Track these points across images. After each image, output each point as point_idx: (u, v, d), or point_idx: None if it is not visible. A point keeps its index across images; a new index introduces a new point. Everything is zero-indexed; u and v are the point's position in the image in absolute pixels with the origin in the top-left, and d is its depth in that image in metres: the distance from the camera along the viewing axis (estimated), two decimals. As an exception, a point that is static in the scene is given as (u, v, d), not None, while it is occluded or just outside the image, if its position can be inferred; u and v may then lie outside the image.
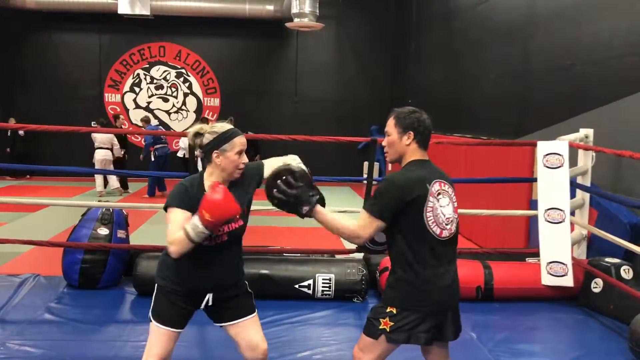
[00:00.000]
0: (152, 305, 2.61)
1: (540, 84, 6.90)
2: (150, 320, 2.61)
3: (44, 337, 3.93)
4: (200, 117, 14.23)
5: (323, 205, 2.49)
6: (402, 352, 2.64)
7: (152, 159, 11.10)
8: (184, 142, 12.26)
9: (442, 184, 2.49)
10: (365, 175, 10.64)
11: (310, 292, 4.74)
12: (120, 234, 5.15)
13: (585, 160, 5.21)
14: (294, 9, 11.59)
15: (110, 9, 13.00)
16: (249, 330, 2.64)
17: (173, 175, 6.67)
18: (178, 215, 2.45)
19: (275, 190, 2.43)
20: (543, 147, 4.94)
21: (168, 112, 14.76)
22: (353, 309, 4.69)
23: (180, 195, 2.49)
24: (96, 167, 11.00)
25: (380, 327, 2.45)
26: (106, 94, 14.58)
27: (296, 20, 11.71)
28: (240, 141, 2.54)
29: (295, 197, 2.42)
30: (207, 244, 2.48)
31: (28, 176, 13.82)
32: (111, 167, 10.99)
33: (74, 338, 3.96)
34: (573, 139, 5.12)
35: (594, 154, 5.18)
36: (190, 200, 2.45)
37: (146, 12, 12.84)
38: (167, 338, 2.58)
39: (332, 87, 14.68)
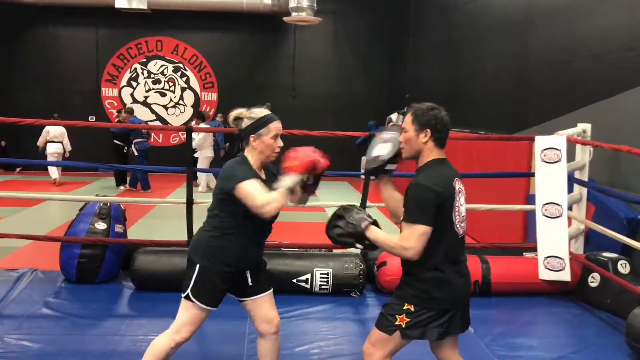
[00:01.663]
0: (192, 284, 2.70)
1: (538, 79, 6.89)
2: (189, 299, 2.71)
3: (42, 332, 3.93)
4: (197, 112, 14.19)
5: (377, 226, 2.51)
6: (410, 346, 2.63)
7: (136, 153, 11.11)
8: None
9: (459, 182, 2.51)
10: (363, 170, 10.64)
11: (308, 286, 4.75)
12: (118, 228, 5.14)
13: (583, 154, 5.22)
14: (292, 3, 11.56)
15: (108, 3, 12.94)
16: (265, 305, 2.82)
17: (174, 170, 6.64)
18: (254, 184, 2.58)
19: (334, 228, 2.52)
20: (541, 141, 4.95)
21: (165, 107, 14.71)
22: (351, 304, 4.69)
23: (246, 169, 2.65)
24: (49, 159, 11.59)
25: (396, 323, 2.45)
26: (103, 88, 14.53)
27: (294, 14, 11.69)
28: (275, 126, 2.70)
29: (353, 226, 2.46)
30: (258, 222, 2.65)
31: (18, 169, 13.73)
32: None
33: (72, 332, 3.97)
34: (571, 133, 5.12)
35: (591, 149, 5.18)
36: (251, 173, 2.64)
37: (143, 6, 12.79)
38: (203, 316, 2.75)
39: (330, 82, 14.65)
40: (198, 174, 11.20)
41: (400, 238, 2.38)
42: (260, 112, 2.73)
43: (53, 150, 11.68)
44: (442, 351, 2.62)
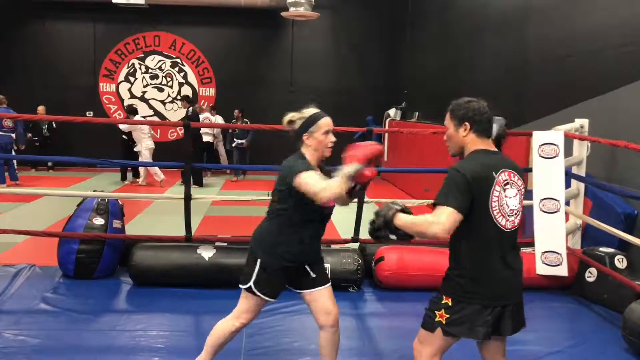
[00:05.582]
0: (254, 277, 2.82)
1: (536, 74, 6.90)
2: (250, 289, 2.84)
3: (40, 327, 3.93)
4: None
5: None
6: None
7: None
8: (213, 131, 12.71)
9: (511, 175, 2.43)
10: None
11: (306, 281, 4.75)
12: (116, 224, 5.14)
13: (580, 150, 5.23)
14: (290, -2, 11.53)
15: (105, -2, 12.91)
16: (323, 297, 2.94)
17: (171, 165, 6.62)
18: (312, 174, 2.71)
19: (370, 226, 2.53)
20: (538, 137, 4.95)
21: (163, 102, 14.69)
22: (349, 299, 4.70)
23: (301, 163, 2.78)
24: None
25: (436, 319, 2.42)
26: (101, 84, 14.50)
27: (292, 9, 11.66)
28: (325, 122, 2.84)
29: (380, 222, 2.46)
30: (321, 216, 2.83)
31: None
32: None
33: (70, 328, 3.97)
34: (568, 129, 5.13)
35: (589, 144, 5.19)
36: (312, 166, 2.79)
37: (141, 1, 12.74)
38: (261, 305, 2.91)
39: (328, 77, 14.62)
40: (140, 168, 11.36)
41: (428, 217, 2.32)
42: (309, 111, 2.88)
43: None
44: (489, 349, 2.58)
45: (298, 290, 2.99)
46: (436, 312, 2.43)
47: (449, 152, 2.56)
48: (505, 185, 2.39)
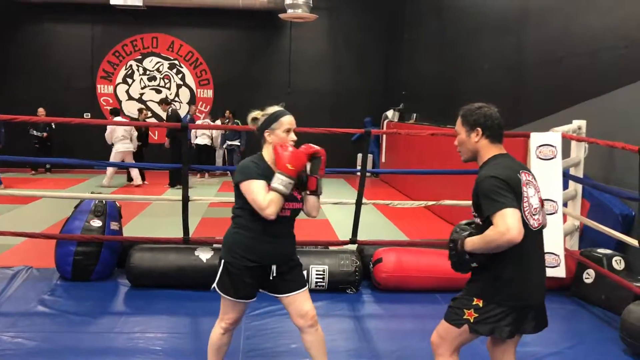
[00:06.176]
0: (217, 279, 2.84)
1: (533, 76, 6.91)
2: (219, 292, 2.85)
3: (37, 329, 3.93)
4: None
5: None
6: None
7: None
8: (213, 132, 12.74)
9: (528, 174, 2.45)
10: (359, 167, 10.65)
11: (303, 283, 4.74)
12: (113, 225, 5.14)
13: (578, 151, 5.23)
14: (288, 0, 11.54)
15: (103, 0, 12.90)
16: (298, 301, 2.90)
17: (170, 167, 6.62)
18: (258, 184, 2.69)
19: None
20: (536, 138, 4.96)
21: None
22: (346, 300, 4.70)
23: (253, 169, 2.74)
24: None
25: (464, 317, 2.44)
26: (99, 86, 14.49)
27: (290, 11, 11.67)
28: (287, 120, 2.82)
29: (457, 257, 2.46)
30: (276, 217, 2.72)
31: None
32: None
33: (67, 330, 3.96)
34: (566, 130, 5.13)
35: (586, 145, 5.19)
36: (262, 172, 2.74)
37: (138, 2, 12.74)
38: (238, 306, 2.88)
39: (326, 79, 14.64)
40: (108, 168, 11.38)
41: (493, 228, 2.28)
42: (273, 108, 2.88)
43: None
44: (502, 349, 2.59)
45: (274, 295, 2.93)
46: (465, 310, 2.45)
47: (462, 157, 2.58)
48: (527, 185, 2.41)
